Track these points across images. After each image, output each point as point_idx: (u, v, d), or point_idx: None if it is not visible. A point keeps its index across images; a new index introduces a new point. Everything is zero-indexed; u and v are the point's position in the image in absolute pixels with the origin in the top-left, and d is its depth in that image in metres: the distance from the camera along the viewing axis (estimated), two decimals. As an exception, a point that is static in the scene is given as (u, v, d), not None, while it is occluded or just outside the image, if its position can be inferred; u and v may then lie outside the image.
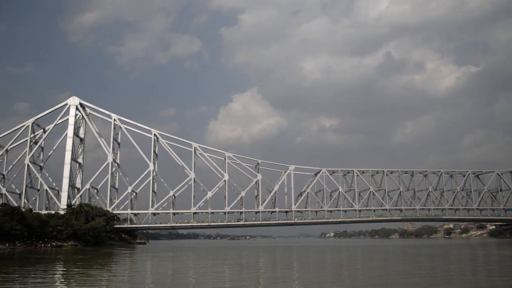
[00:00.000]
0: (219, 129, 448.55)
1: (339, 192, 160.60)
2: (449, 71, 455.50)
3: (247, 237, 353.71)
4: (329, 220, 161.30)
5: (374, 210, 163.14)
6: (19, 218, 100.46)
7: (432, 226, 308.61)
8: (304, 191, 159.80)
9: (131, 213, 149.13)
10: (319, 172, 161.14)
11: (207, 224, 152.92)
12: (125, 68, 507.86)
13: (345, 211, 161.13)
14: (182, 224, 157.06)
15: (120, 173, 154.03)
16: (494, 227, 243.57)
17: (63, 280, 35.35)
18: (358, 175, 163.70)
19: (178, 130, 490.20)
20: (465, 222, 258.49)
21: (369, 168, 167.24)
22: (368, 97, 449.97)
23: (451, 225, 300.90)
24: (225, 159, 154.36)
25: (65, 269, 46.14)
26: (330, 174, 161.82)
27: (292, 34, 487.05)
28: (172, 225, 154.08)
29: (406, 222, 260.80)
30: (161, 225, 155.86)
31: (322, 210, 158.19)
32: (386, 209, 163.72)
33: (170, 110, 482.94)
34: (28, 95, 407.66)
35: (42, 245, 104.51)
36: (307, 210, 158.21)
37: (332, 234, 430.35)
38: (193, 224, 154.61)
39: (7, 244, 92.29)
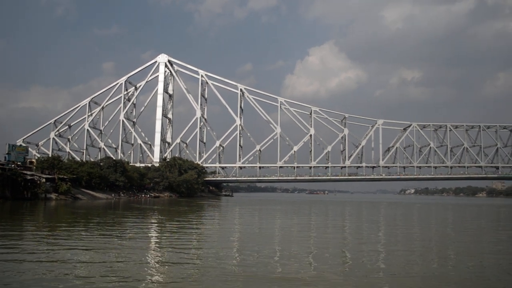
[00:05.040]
0: (295, 84, 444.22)
1: (430, 147, 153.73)
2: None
3: (326, 192, 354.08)
4: (419, 176, 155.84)
5: (468, 167, 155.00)
6: (121, 170, 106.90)
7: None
8: (393, 146, 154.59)
9: (219, 167, 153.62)
10: (408, 126, 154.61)
11: (293, 178, 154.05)
12: (204, 25, 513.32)
13: (436, 167, 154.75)
14: (269, 178, 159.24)
15: (208, 128, 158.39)
16: None
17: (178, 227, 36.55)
18: (451, 130, 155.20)
19: (255, 85, 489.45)
20: None
21: (463, 123, 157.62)
22: (456, 47, 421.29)
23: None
24: (310, 114, 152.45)
25: (183, 219, 48.08)
26: (421, 129, 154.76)
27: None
28: (259, 178, 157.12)
29: (501, 180, 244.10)
30: (249, 178, 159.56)
31: (411, 166, 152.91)
32: (480, 166, 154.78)
33: (247, 66, 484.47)
34: (114, 55, 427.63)
35: (142, 195, 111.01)
36: (395, 166, 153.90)
37: (412, 191, 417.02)
38: (279, 178, 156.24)
39: (113, 194, 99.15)
